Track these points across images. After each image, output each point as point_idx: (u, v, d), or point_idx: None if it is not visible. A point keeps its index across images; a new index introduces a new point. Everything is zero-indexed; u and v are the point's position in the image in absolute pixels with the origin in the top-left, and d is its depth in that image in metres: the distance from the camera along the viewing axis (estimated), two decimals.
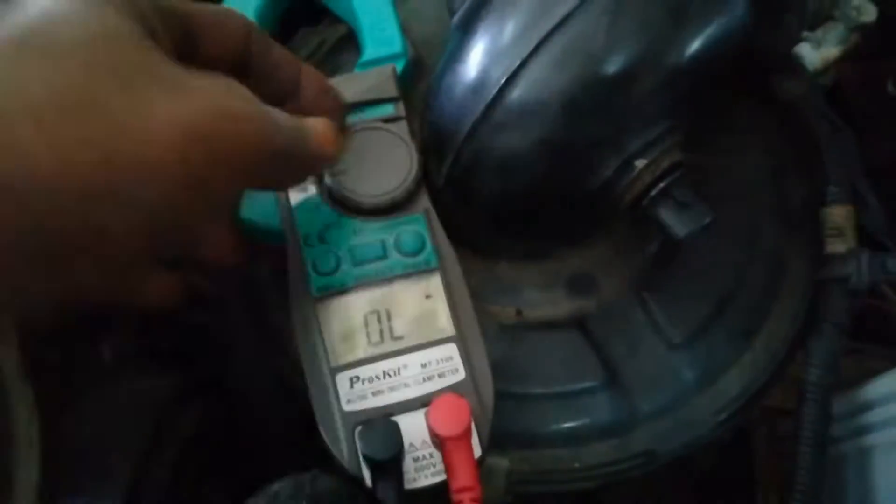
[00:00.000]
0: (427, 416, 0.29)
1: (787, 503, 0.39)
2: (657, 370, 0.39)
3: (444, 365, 0.31)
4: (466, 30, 0.36)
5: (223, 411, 0.42)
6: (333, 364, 0.30)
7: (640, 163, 0.34)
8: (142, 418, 0.37)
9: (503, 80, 0.33)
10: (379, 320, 0.31)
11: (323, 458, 0.32)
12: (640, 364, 0.39)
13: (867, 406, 0.41)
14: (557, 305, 0.40)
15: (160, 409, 0.38)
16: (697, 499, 0.50)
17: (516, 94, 0.33)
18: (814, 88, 0.43)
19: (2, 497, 0.30)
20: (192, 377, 0.42)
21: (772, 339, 0.40)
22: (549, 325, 0.40)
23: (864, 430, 0.41)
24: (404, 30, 0.43)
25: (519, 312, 0.40)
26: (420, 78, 0.42)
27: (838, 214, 0.42)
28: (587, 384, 0.39)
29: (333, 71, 0.43)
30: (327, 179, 0.33)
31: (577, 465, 0.38)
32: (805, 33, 0.36)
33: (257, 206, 0.34)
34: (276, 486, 0.28)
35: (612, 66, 0.32)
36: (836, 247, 0.41)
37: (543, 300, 0.40)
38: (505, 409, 0.33)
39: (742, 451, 0.51)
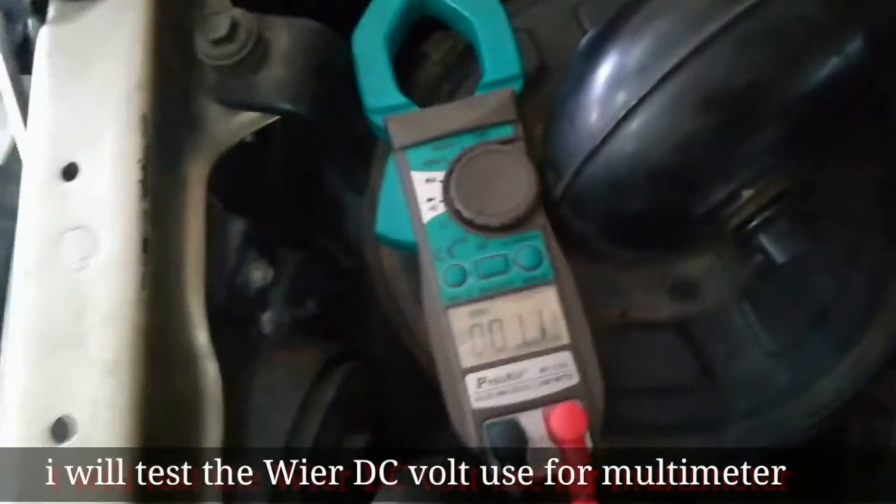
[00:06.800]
0: (548, 420, 0.34)
1: None
2: (752, 374, 0.42)
3: (560, 370, 0.35)
4: (591, 58, 0.38)
5: (362, 379, 0.48)
6: (463, 367, 0.35)
7: (747, 193, 0.36)
8: (295, 386, 0.44)
9: (621, 115, 0.35)
10: (502, 328, 0.36)
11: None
12: (737, 368, 0.42)
13: None
14: (660, 309, 0.43)
15: (309, 378, 0.45)
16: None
17: (632, 128, 0.35)
18: None
19: (196, 441, 0.38)
20: (335, 347, 0.48)
21: (868, 352, 0.42)
22: (652, 327, 0.43)
23: None
24: (529, 35, 0.46)
25: (624, 313, 0.44)
26: (544, 82, 0.45)
27: None
28: (684, 382, 0.42)
29: (463, 75, 0.47)
30: (455, 201, 0.38)
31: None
32: None
33: (393, 223, 0.39)
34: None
35: (728, 108, 0.34)
36: None
37: (648, 303, 0.43)
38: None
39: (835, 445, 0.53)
